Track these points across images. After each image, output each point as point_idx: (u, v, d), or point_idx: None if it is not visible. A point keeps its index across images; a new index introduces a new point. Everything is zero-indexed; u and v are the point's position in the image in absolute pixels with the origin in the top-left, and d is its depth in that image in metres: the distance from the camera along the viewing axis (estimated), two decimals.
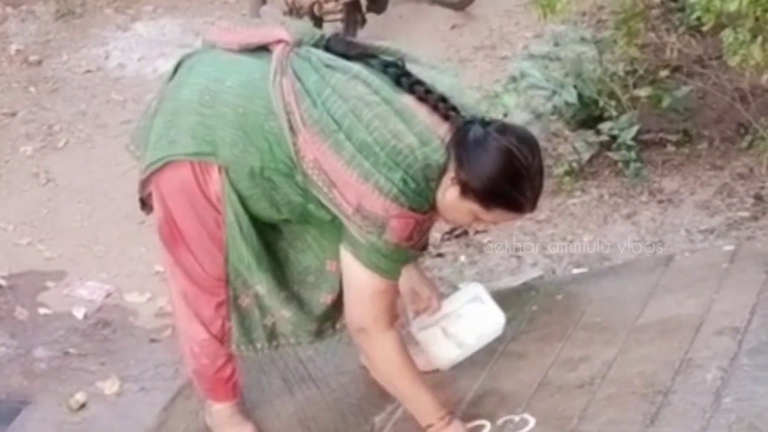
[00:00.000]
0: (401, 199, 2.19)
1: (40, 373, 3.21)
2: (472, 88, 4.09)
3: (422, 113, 2.22)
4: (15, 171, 4.24)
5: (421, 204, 2.23)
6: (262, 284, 2.45)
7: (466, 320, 2.58)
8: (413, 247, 2.32)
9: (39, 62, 5.01)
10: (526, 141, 2.22)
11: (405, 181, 2.19)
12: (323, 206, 2.29)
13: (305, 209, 2.35)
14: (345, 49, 2.36)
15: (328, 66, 2.28)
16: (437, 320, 2.58)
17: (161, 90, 2.45)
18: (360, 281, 2.29)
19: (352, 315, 2.34)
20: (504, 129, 2.22)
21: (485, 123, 2.23)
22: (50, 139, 4.43)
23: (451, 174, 2.20)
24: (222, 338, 2.57)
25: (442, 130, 2.22)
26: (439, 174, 2.21)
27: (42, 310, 3.49)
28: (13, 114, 4.62)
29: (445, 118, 2.22)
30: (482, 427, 2.42)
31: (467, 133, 2.20)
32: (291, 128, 2.23)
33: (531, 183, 2.21)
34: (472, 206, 2.22)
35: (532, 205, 2.25)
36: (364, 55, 2.34)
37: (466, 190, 2.20)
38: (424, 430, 2.40)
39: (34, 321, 3.44)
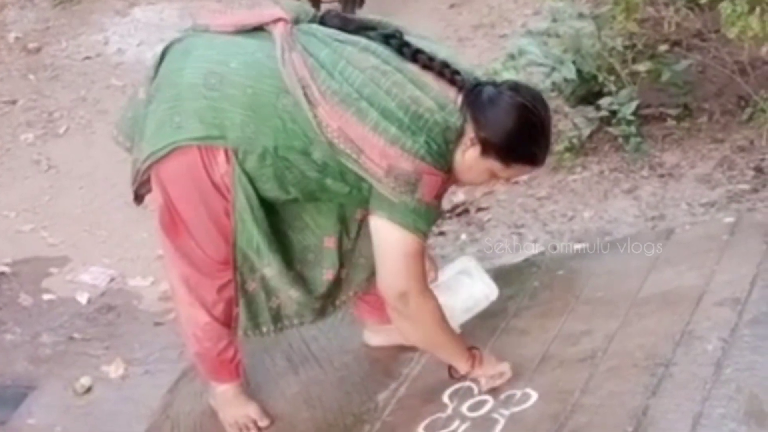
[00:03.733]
0: (428, 158, 2.25)
1: (45, 359, 3.22)
2: (471, 66, 4.08)
3: (430, 80, 2.27)
4: (16, 158, 4.25)
5: (443, 165, 2.29)
6: (271, 266, 2.46)
7: (454, 293, 2.60)
8: (437, 207, 2.37)
9: (38, 49, 5.00)
10: (538, 97, 2.35)
11: (429, 144, 2.24)
12: (342, 179, 2.32)
13: (321, 184, 2.36)
14: (341, 24, 2.38)
15: (337, 40, 2.31)
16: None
17: (149, 76, 2.42)
18: (396, 245, 2.31)
19: (392, 281, 2.34)
20: (516, 87, 2.33)
21: (495, 84, 2.31)
22: (51, 126, 4.44)
23: (470, 135, 2.27)
24: (224, 321, 2.58)
25: (451, 94, 2.28)
26: (456, 137, 2.27)
27: (46, 296, 3.50)
28: (14, 102, 4.62)
29: (451, 82, 2.28)
30: (485, 402, 2.43)
31: (481, 94, 2.27)
32: (309, 101, 2.24)
33: (545, 137, 2.34)
34: (491, 164, 2.31)
35: (544, 159, 2.37)
36: (362, 29, 2.36)
37: (486, 148, 2.27)
38: (463, 377, 2.48)
39: (39, 307, 3.45)
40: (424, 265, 2.39)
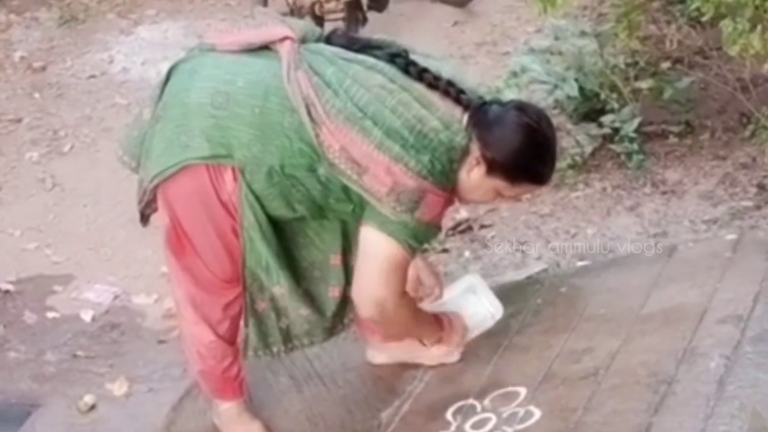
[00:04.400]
0: (430, 178, 2.26)
1: (49, 377, 3.21)
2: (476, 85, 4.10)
3: (436, 99, 2.29)
4: (21, 177, 4.25)
5: (447, 184, 2.30)
6: (281, 283, 2.46)
7: (459, 311, 2.61)
8: (438, 226, 2.39)
9: (43, 68, 5.02)
10: (544, 116, 2.37)
11: (433, 163, 2.25)
12: (346, 198, 2.32)
13: (325, 203, 2.36)
14: (347, 43, 2.40)
15: (343, 58, 2.32)
16: (433, 309, 2.60)
17: (154, 96, 2.43)
18: (382, 255, 2.32)
19: (371, 290, 2.36)
20: (522, 106, 2.35)
21: (501, 103, 2.32)
22: (55, 144, 4.44)
23: (475, 154, 2.28)
24: (229, 339, 2.59)
25: (457, 113, 2.29)
26: (461, 156, 2.28)
27: (50, 314, 3.50)
28: (19, 120, 4.63)
29: (457, 101, 2.29)
30: (488, 419, 2.42)
31: (486, 113, 2.29)
32: (312, 120, 2.25)
33: (551, 155, 2.36)
34: (497, 183, 2.31)
35: (550, 177, 2.39)
36: (368, 48, 2.37)
37: (493, 167, 2.28)
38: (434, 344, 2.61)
39: (43, 325, 3.44)
40: (406, 279, 2.40)
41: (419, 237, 2.33)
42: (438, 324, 2.60)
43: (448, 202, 2.36)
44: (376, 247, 2.32)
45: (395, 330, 2.56)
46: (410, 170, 2.23)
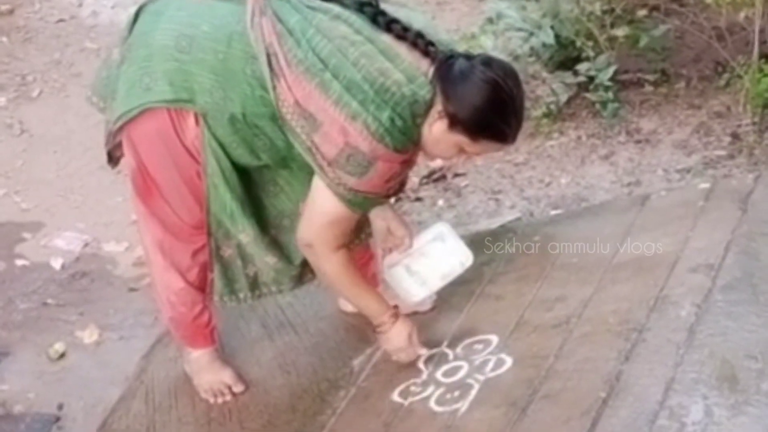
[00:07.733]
0: (387, 139, 2.19)
1: (18, 324, 3.19)
2: (450, 31, 4.06)
3: (403, 51, 2.22)
4: None
5: (406, 144, 2.24)
6: (246, 231, 2.44)
7: (429, 259, 2.59)
8: (385, 193, 2.34)
9: (11, 11, 4.92)
10: (511, 73, 2.27)
11: (392, 120, 2.19)
12: None
13: (289, 153, 2.33)
14: None
15: (309, 6, 2.27)
16: (402, 258, 2.59)
17: (123, 37, 2.39)
18: (324, 206, 2.30)
19: (306, 231, 2.36)
20: (489, 61, 2.26)
21: (468, 56, 2.25)
22: (24, 89, 4.37)
23: (438, 108, 2.22)
24: (199, 286, 2.57)
25: (423, 66, 2.22)
26: (425, 110, 2.23)
27: (19, 262, 3.46)
28: None
29: (425, 54, 2.23)
30: (460, 367, 2.43)
31: (452, 67, 2.22)
32: (272, 70, 2.20)
33: (516, 114, 2.26)
34: (459, 138, 2.25)
35: (515, 136, 2.29)
36: None
37: (454, 122, 2.22)
38: (374, 329, 2.49)
39: (12, 272, 3.41)
40: (344, 232, 2.35)
41: (359, 204, 2.30)
42: (382, 304, 2.48)
43: (406, 164, 2.30)
44: (319, 198, 2.30)
45: (325, 281, 2.49)
46: (366, 129, 2.18)
